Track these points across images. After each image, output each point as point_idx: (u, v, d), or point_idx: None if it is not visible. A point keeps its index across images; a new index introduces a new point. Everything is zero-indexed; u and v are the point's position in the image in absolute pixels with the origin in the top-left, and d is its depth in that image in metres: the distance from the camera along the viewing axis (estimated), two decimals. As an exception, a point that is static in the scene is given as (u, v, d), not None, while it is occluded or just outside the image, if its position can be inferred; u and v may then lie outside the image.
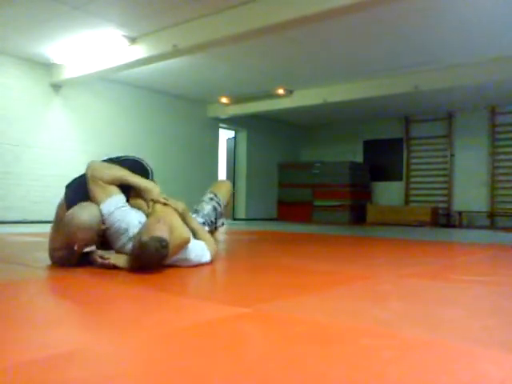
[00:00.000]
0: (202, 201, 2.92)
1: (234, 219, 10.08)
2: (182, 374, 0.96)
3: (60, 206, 2.42)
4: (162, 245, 2.10)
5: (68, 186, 2.48)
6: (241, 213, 10.15)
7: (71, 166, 7.06)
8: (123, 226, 2.29)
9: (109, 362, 1.04)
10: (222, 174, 10.27)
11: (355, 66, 6.74)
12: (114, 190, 2.37)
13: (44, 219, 6.79)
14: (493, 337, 1.31)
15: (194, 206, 2.92)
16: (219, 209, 2.89)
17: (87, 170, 2.41)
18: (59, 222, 2.36)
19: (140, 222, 2.32)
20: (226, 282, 2.27)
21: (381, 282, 2.22)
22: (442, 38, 5.56)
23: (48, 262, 2.55)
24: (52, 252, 2.42)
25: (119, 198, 2.36)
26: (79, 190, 2.39)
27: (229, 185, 3.15)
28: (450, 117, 9.49)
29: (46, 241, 4.09)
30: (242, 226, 7.48)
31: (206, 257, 2.47)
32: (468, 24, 5.13)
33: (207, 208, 2.86)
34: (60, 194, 2.72)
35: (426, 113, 9.66)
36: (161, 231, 2.15)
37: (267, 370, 0.98)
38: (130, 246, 2.26)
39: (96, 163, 2.46)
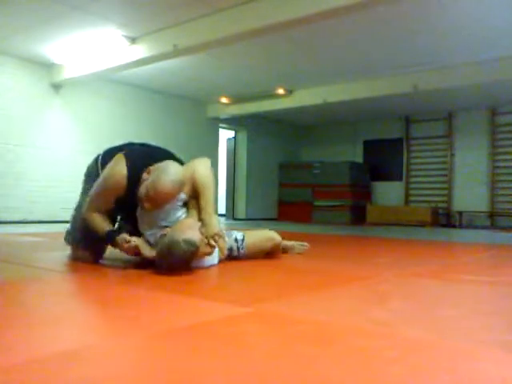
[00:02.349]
0: (229, 234, 2.75)
1: (234, 219, 10.08)
2: (183, 373, 0.96)
3: (113, 167, 2.28)
4: (192, 250, 2.10)
5: (127, 152, 2.37)
6: (241, 213, 10.16)
7: (71, 166, 7.06)
8: (160, 215, 2.28)
9: (109, 362, 1.04)
10: (222, 173, 10.27)
11: (355, 66, 6.74)
12: (189, 191, 2.35)
13: (44, 219, 6.79)
14: (493, 337, 1.31)
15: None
16: (234, 253, 2.71)
17: (201, 159, 2.41)
18: (106, 182, 2.27)
19: (177, 218, 2.32)
20: (226, 281, 2.27)
21: (381, 281, 2.22)
22: (442, 38, 5.56)
23: (48, 262, 2.55)
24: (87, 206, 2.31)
25: (184, 198, 2.36)
26: (144, 158, 2.33)
27: (277, 240, 2.88)
28: (450, 117, 9.49)
29: (45, 241, 4.09)
30: (241, 226, 7.48)
31: (215, 260, 2.50)
32: (468, 24, 5.13)
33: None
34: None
35: (426, 113, 9.65)
36: (196, 235, 2.14)
37: (267, 369, 0.98)
38: (154, 235, 2.26)
39: (209, 164, 2.44)
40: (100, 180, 2.32)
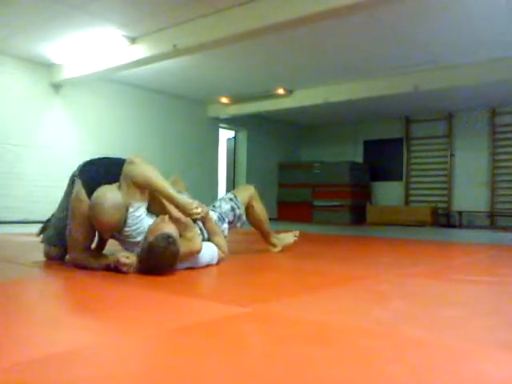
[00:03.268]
0: (222, 199, 2.95)
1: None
2: (182, 373, 0.96)
3: (76, 199, 2.29)
4: (169, 241, 2.06)
5: (82, 174, 2.41)
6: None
7: (71, 166, 7.04)
8: (133, 233, 2.23)
9: (109, 362, 1.04)
10: (222, 173, 10.27)
11: (355, 66, 6.74)
12: (138, 196, 2.25)
13: (44, 219, 6.78)
14: (493, 337, 1.31)
15: (212, 203, 2.94)
16: (237, 211, 2.89)
17: (127, 163, 2.30)
18: (76, 214, 2.26)
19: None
20: (225, 281, 2.27)
21: (381, 281, 2.22)
22: (442, 37, 5.55)
23: (48, 262, 2.55)
24: (74, 247, 2.30)
25: (140, 207, 2.26)
26: (97, 177, 2.33)
27: (251, 189, 3.16)
28: (450, 117, 9.48)
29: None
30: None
31: (214, 260, 2.49)
32: (468, 24, 5.12)
33: (225, 207, 2.87)
34: (60, 194, 2.72)
35: (425, 113, 9.65)
36: (167, 228, 2.12)
37: (267, 369, 0.98)
38: (135, 250, 2.23)
39: (138, 160, 2.31)
40: (71, 214, 2.31)
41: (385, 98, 7.68)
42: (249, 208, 3.07)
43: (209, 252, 2.44)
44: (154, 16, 5.08)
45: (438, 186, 9.68)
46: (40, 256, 2.62)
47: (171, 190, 2.33)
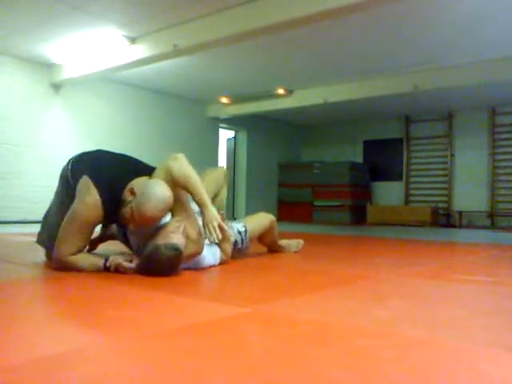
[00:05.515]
0: (231, 227, 2.76)
1: (234, 219, 10.07)
2: (182, 373, 0.96)
3: (84, 200, 2.09)
4: (176, 253, 2.06)
5: (93, 176, 2.15)
6: (241, 213, 10.15)
7: (71, 166, 7.05)
8: (152, 229, 2.21)
9: (108, 362, 1.04)
10: (222, 173, 10.24)
11: (355, 66, 6.74)
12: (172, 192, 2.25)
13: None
14: (493, 337, 1.31)
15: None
16: (238, 245, 2.74)
17: (171, 159, 2.28)
18: (78, 217, 2.09)
19: (164, 224, 2.26)
20: (225, 282, 2.27)
21: (381, 281, 2.22)
22: (442, 38, 5.55)
23: (47, 262, 2.55)
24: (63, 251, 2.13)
25: None
26: (108, 177, 2.17)
27: (269, 220, 2.97)
28: (450, 117, 9.49)
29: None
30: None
31: (216, 262, 2.49)
32: (468, 24, 5.12)
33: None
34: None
35: (426, 113, 9.66)
36: (179, 240, 2.11)
37: (267, 369, 0.98)
38: (143, 248, 2.22)
39: (181, 157, 2.31)
40: (73, 216, 2.11)
41: (385, 97, 7.68)
42: (261, 236, 3.00)
43: (212, 254, 2.45)
44: (153, 16, 5.08)
45: (438, 186, 9.68)
46: (40, 256, 2.62)
47: (206, 198, 2.29)
